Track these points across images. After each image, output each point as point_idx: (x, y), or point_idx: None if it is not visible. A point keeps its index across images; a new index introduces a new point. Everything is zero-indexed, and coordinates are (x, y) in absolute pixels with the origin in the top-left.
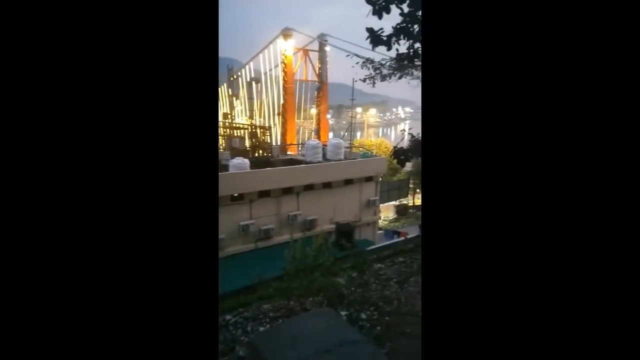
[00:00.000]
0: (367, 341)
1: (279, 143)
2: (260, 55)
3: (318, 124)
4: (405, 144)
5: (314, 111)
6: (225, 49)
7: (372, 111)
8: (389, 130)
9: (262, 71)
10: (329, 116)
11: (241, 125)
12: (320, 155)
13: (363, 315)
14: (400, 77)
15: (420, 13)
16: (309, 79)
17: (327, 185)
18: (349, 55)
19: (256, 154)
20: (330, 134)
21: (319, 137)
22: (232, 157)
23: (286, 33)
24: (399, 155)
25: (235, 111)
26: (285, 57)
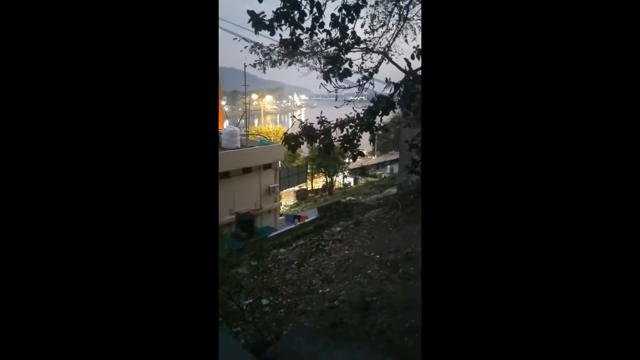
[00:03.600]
0: (244, 353)
1: None
2: None
3: None
4: (295, 130)
5: None
6: None
7: (268, 98)
8: (286, 117)
9: None
10: (223, 103)
11: None
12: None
13: (265, 301)
14: (290, 64)
15: None
16: None
17: (225, 175)
18: (236, 38)
19: None
20: (226, 122)
21: None
22: None
23: None
24: (290, 141)
25: None
26: None
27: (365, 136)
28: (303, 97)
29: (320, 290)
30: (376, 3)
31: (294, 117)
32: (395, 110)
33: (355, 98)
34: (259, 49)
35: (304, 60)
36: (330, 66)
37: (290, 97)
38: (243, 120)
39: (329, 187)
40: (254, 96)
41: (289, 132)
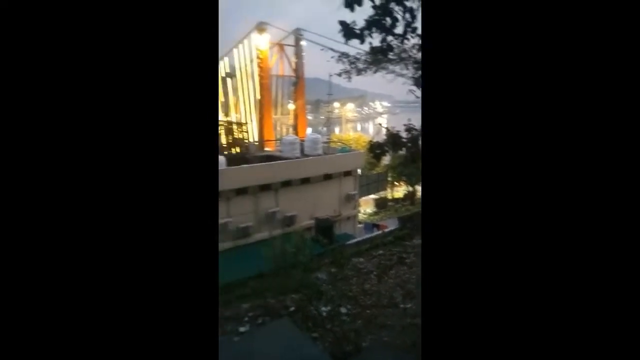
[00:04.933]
0: (325, 358)
1: (255, 139)
2: (235, 50)
3: (296, 119)
4: (381, 138)
5: (291, 106)
6: None
7: (350, 106)
8: (367, 124)
9: (237, 66)
10: (306, 111)
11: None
12: (298, 151)
13: (343, 310)
14: (376, 71)
15: (392, 5)
16: (286, 74)
17: (306, 181)
18: (323, 49)
19: (232, 151)
20: (309, 130)
21: (296, 133)
22: None
23: (260, 27)
24: (375, 149)
25: None
26: (260, 51)
27: None
28: (385, 103)
29: (402, 306)
30: None
31: (380, 124)
32: None
33: None
34: (345, 58)
35: (391, 66)
36: (420, 72)
37: (371, 104)
38: (325, 128)
39: (410, 196)
40: (336, 104)
41: (374, 141)
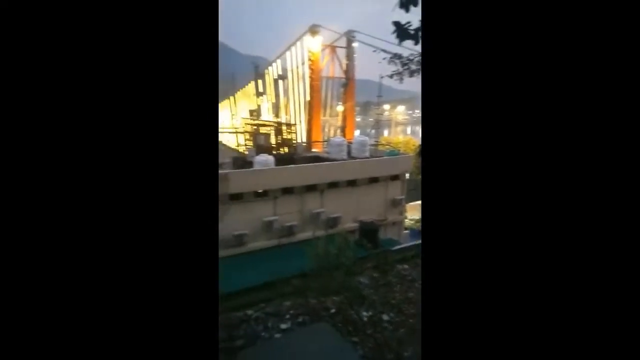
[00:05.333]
0: None
1: (304, 140)
2: (288, 52)
3: (344, 121)
4: None
5: (340, 108)
6: (254, 47)
7: (400, 108)
8: (417, 127)
9: (289, 68)
10: (355, 113)
11: (267, 123)
12: (345, 153)
13: (385, 317)
14: None
15: None
16: (336, 75)
17: (352, 183)
18: (375, 50)
19: (281, 151)
20: (357, 132)
21: (344, 135)
22: (257, 154)
23: (313, 30)
24: None
25: (261, 109)
26: (312, 53)
27: None
28: None
29: None
30: None
31: None
32: None
33: None
34: (398, 59)
35: None
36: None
37: None
38: (374, 131)
39: None
40: (386, 106)
41: None
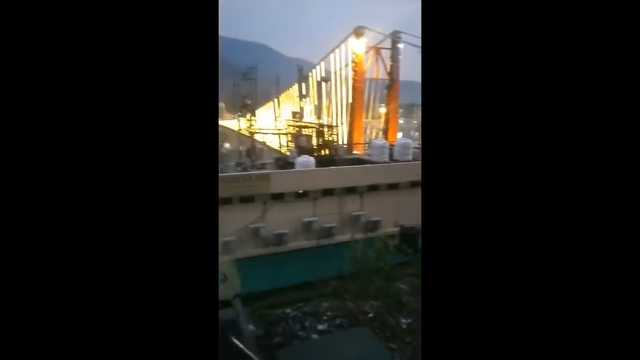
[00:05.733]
0: None
1: (345, 142)
2: (332, 54)
3: (387, 123)
4: None
5: (383, 110)
6: (298, 50)
7: None
8: None
9: (332, 70)
10: (398, 115)
11: (309, 125)
12: (387, 156)
13: None
14: None
15: None
16: (380, 77)
17: (393, 187)
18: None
19: (322, 153)
20: (399, 134)
21: (386, 137)
22: (299, 155)
23: (358, 31)
24: None
25: (304, 111)
26: (356, 55)
27: None
28: None
29: None
30: None
31: None
32: None
33: None
34: None
35: None
36: None
37: None
38: (417, 133)
39: None
40: None
41: None
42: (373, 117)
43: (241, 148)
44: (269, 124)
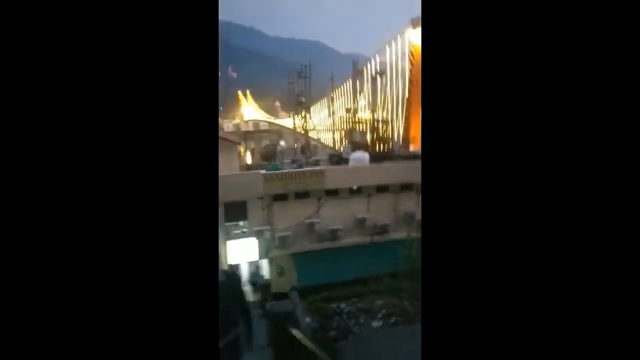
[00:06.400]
0: None
1: (402, 138)
2: (387, 47)
3: None
4: None
5: None
6: (354, 45)
7: None
8: None
9: (388, 63)
10: None
11: (363, 120)
12: None
13: None
14: None
15: None
16: None
17: None
18: None
19: (377, 149)
20: None
21: None
22: (353, 151)
23: (415, 22)
24: None
25: (359, 106)
26: (413, 47)
27: None
28: None
29: None
30: None
31: None
32: None
33: None
34: None
35: None
36: None
37: None
38: None
39: None
40: None
41: None
42: None
43: (296, 145)
44: (324, 121)
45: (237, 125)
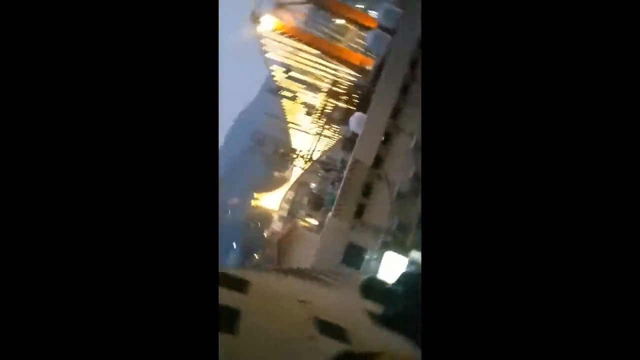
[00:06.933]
0: None
1: None
2: None
3: None
4: None
5: None
6: None
7: None
8: None
9: None
10: None
11: (322, 104)
12: None
13: None
14: None
15: None
16: None
17: None
18: None
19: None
20: None
21: None
22: (347, 123)
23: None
24: None
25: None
26: None
27: None
28: None
29: None
30: None
31: None
32: None
33: None
34: None
35: None
36: None
37: None
38: None
39: None
40: None
41: None
42: None
43: None
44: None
45: None
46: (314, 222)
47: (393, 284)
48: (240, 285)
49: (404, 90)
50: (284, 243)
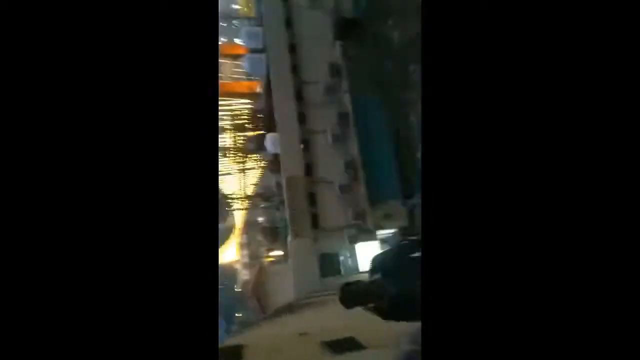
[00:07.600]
0: None
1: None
2: None
3: None
4: None
5: None
6: None
7: None
8: None
9: None
10: None
11: (233, 133)
12: None
13: None
14: None
15: None
16: None
17: None
18: None
19: (258, 127)
20: None
21: None
22: (260, 146)
23: None
24: None
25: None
26: None
27: None
28: None
29: None
30: None
31: None
32: None
33: None
34: None
35: None
36: None
37: None
38: None
39: None
40: None
41: None
42: None
43: None
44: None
45: None
46: (278, 252)
47: (372, 271)
48: (236, 353)
49: (299, 96)
50: (259, 288)
